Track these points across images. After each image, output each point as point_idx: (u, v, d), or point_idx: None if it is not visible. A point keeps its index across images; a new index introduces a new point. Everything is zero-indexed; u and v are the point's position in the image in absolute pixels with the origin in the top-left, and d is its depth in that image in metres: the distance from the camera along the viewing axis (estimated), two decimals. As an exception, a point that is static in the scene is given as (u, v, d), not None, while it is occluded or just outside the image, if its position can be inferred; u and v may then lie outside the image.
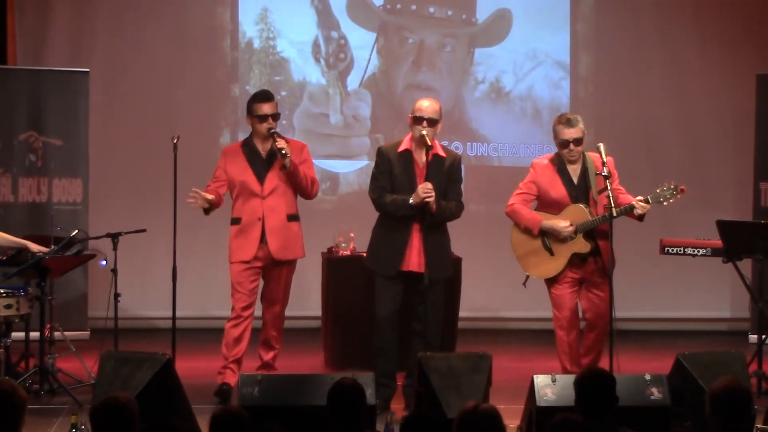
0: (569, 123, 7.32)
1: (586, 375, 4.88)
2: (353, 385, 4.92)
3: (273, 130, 7.46)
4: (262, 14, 10.55)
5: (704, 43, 10.66)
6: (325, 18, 10.56)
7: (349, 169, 10.61)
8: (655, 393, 6.11)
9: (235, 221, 7.59)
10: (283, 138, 7.47)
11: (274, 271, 7.57)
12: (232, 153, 7.64)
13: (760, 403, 6.48)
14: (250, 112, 7.54)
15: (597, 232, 7.30)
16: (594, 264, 7.31)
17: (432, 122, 7.17)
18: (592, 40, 10.73)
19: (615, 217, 7.04)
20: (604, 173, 7.11)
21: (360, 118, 10.62)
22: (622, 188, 7.42)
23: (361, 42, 10.61)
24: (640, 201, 7.23)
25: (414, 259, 7.17)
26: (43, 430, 6.59)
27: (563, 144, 7.33)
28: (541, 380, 6.10)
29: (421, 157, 7.21)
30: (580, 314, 7.42)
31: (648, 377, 6.15)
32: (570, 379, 5.67)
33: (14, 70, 10.02)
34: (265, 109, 7.50)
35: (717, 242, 8.03)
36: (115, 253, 7.60)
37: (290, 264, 7.62)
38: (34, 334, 7.69)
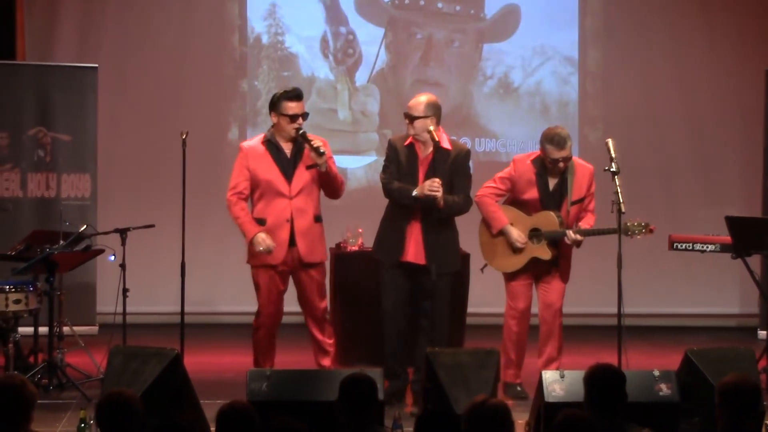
0: (559, 144, 7.25)
1: (596, 371, 4.87)
2: (366, 378, 4.91)
3: (302, 130, 7.13)
4: (271, 10, 10.55)
5: (713, 39, 10.64)
6: (334, 13, 10.56)
7: (357, 165, 10.60)
8: (664, 389, 6.10)
9: (259, 222, 7.22)
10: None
11: (305, 275, 7.28)
12: (254, 150, 7.20)
13: (769, 399, 6.47)
14: (277, 108, 7.17)
15: (561, 242, 7.38)
16: (550, 268, 7.42)
17: (411, 118, 7.17)
18: (600, 36, 10.71)
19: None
20: (613, 169, 7.10)
21: (368, 114, 10.62)
22: (591, 210, 7.46)
23: (370, 37, 10.61)
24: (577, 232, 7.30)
25: (411, 250, 7.18)
26: (52, 424, 6.59)
27: (552, 162, 7.32)
28: (549, 376, 6.10)
29: (424, 150, 7.23)
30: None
31: (657, 373, 6.14)
32: (578, 375, 5.66)
33: (23, 65, 10.03)
34: (295, 108, 7.14)
35: (726, 238, 8.02)
36: (124, 249, 7.61)
37: (320, 266, 7.33)
38: (43, 329, 7.70)
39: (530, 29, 10.64)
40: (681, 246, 8.25)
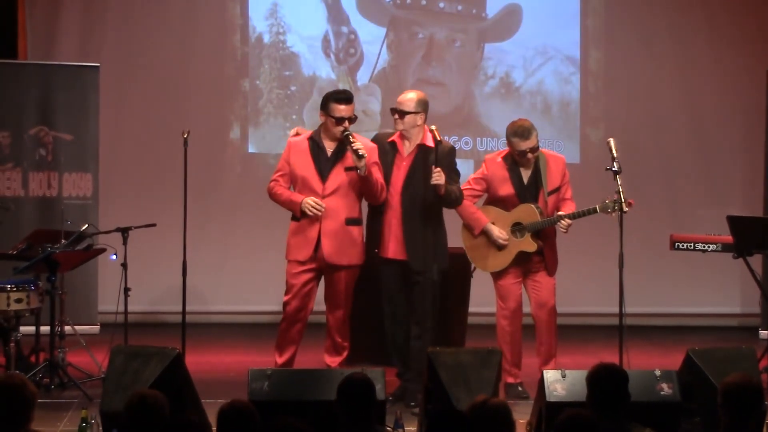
0: (524, 135, 7.29)
1: (599, 371, 4.86)
2: (363, 379, 4.92)
3: (347, 132, 7.09)
4: (272, 9, 10.55)
5: (714, 39, 10.64)
6: (335, 13, 10.56)
7: (358, 164, 10.59)
8: (665, 389, 6.09)
9: (296, 217, 7.23)
10: (356, 139, 7.08)
11: (332, 275, 7.25)
12: (297, 146, 7.22)
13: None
14: (325, 108, 7.17)
15: (544, 233, 7.40)
16: (537, 262, 7.43)
17: (401, 113, 7.19)
18: (602, 36, 10.71)
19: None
20: (614, 169, 7.10)
21: (370, 113, 10.62)
22: (569, 198, 7.47)
23: (371, 37, 10.61)
24: (563, 215, 7.31)
25: (392, 247, 7.20)
26: (53, 424, 6.59)
27: (521, 154, 7.33)
28: (551, 376, 6.09)
29: (407, 148, 7.24)
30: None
31: (658, 373, 6.14)
32: (580, 374, 5.66)
33: (25, 64, 10.04)
34: (343, 111, 7.12)
35: (727, 238, 8.02)
36: (125, 248, 7.61)
37: (349, 269, 7.26)
38: (45, 329, 7.70)
39: (532, 29, 10.64)
40: (682, 246, 8.25)
